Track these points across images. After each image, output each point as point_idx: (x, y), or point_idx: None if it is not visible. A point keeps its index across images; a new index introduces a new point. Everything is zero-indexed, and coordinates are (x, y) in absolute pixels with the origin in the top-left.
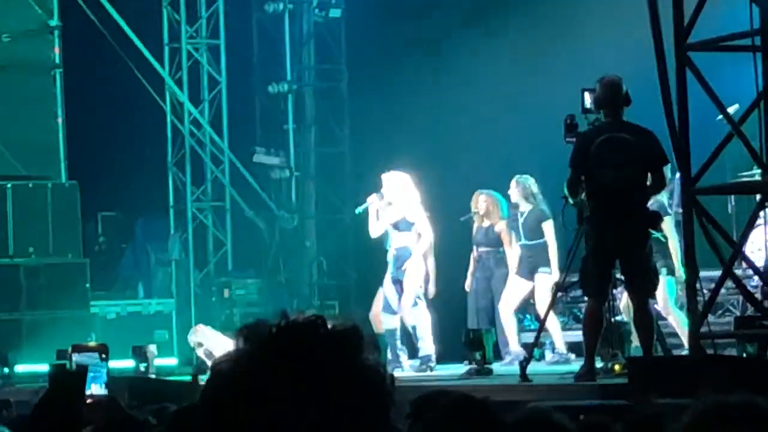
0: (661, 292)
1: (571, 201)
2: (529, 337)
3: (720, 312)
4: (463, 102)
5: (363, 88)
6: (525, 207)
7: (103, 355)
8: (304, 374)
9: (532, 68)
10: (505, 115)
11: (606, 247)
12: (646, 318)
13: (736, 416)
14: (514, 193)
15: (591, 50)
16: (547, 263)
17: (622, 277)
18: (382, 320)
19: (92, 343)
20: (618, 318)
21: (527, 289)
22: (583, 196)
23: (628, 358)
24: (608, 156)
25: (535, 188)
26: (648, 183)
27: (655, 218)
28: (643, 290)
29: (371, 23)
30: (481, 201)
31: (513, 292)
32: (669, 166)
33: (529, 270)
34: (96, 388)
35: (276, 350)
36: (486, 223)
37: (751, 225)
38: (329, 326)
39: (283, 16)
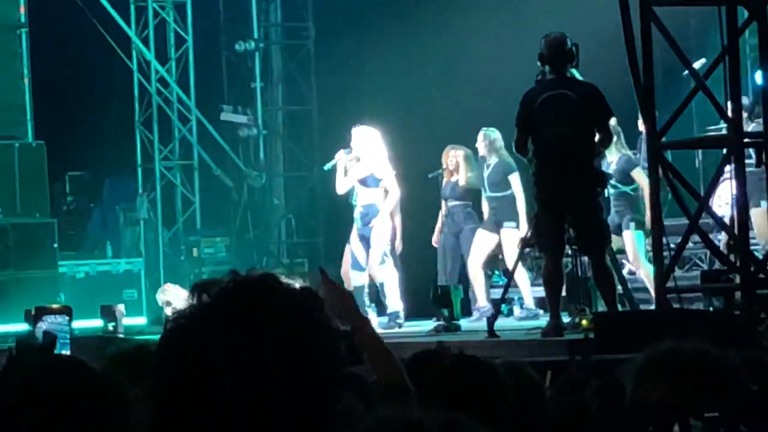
0: (630, 246)
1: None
2: (499, 293)
3: (687, 266)
4: (431, 57)
5: (330, 45)
6: (491, 160)
7: (69, 318)
8: (254, 331)
9: (503, 21)
10: (474, 69)
11: (553, 204)
12: (605, 273)
13: (687, 362)
14: (481, 145)
15: (559, 5)
16: (513, 217)
17: None
18: (351, 277)
19: (56, 306)
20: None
21: (494, 243)
22: (531, 154)
23: (595, 313)
24: (549, 113)
25: (500, 142)
26: (595, 138)
27: (601, 176)
28: (593, 246)
29: None
30: (452, 156)
31: (479, 246)
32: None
33: (494, 223)
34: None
35: (226, 306)
36: (455, 178)
37: (716, 179)
38: (281, 284)
39: None
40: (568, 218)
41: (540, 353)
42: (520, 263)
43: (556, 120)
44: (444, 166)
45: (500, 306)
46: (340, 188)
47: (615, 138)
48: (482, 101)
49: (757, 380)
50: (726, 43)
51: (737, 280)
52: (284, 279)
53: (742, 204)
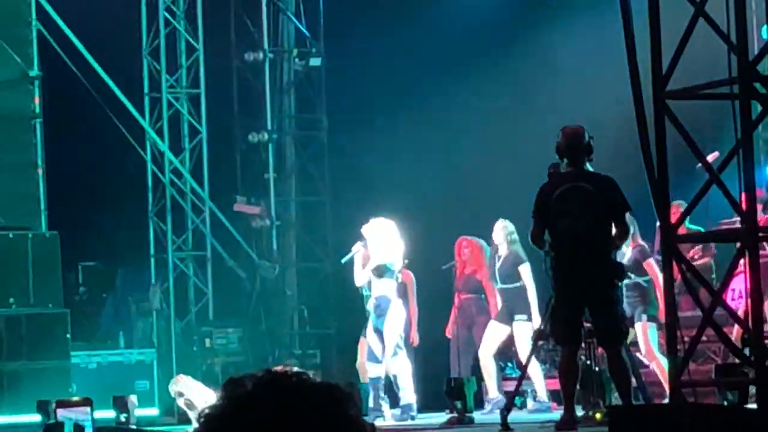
0: (643, 338)
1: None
2: (513, 386)
3: (701, 359)
4: (444, 149)
5: (343, 136)
6: (503, 250)
7: (90, 410)
8: (292, 425)
9: (514, 116)
10: (487, 162)
11: (569, 296)
12: (620, 366)
13: None
14: (499, 235)
15: (571, 98)
16: (523, 309)
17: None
18: (367, 369)
19: (76, 398)
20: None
21: (505, 334)
22: (547, 246)
23: (608, 407)
24: (567, 206)
25: (515, 235)
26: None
27: (618, 268)
28: (610, 339)
29: (351, 72)
30: (464, 247)
31: (491, 338)
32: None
33: (506, 314)
34: None
35: (263, 401)
36: (468, 270)
37: (730, 273)
38: (311, 381)
39: (263, 65)
40: (584, 311)
41: None
42: (533, 356)
43: (573, 212)
44: (456, 258)
45: (514, 398)
46: (359, 280)
47: (632, 229)
48: (496, 194)
49: None
50: (740, 136)
51: (752, 374)
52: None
53: (756, 296)
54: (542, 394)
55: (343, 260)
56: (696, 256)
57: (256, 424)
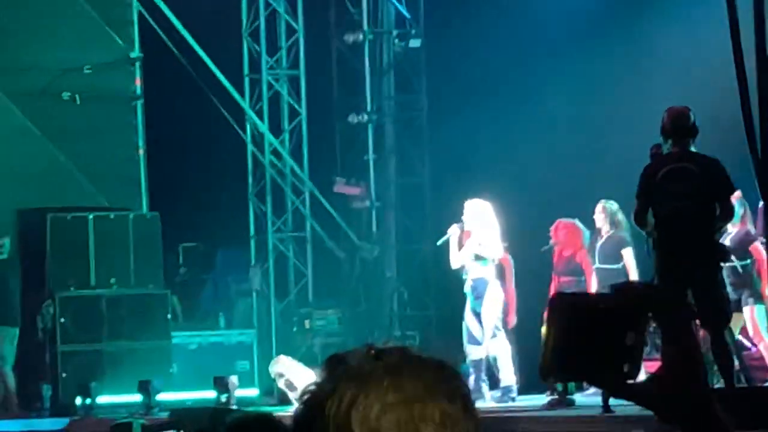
0: (751, 321)
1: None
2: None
3: None
4: (544, 130)
5: (443, 118)
6: (606, 232)
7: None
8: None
9: (614, 95)
10: (586, 143)
11: (672, 277)
12: (723, 348)
13: None
14: (600, 217)
15: (671, 75)
16: None
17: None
18: (467, 351)
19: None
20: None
21: None
22: (651, 227)
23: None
24: (671, 186)
25: (620, 215)
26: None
27: (723, 251)
28: (713, 321)
29: (451, 53)
30: (560, 229)
31: None
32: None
33: None
34: None
35: (368, 376)
36: (567, 252)
37: None
38: (418, 356)
39: (363, 46)
40: (688, 292)
41: (655, 429)
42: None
43: (678, 193)
44: (553, 240)
45: None
46: (455, 263)
47: (742, 210)
48: (596, 175)
49: None
50: None
51: None
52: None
53: None
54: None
55: (439, 242)
56: None
57: (359, 401)
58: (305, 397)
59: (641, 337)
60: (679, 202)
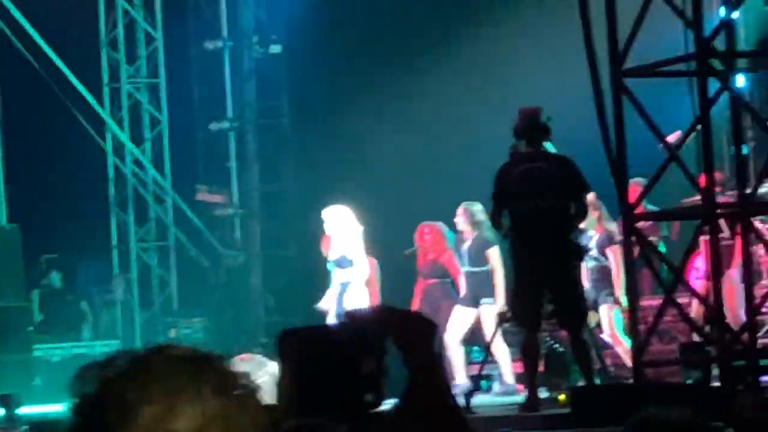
0: (607, 321)
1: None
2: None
3: (667, 338)
4: (405, 134)
5: (305, 123)
6: (470, 234)
7: None
8: None
9: (473, 100)
10: (448, 146)
11: (530, 279)
12: (582, 347)
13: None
14: (461, 219)
15: (533, 79)
16: (490, 293)
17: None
18: None
19: None
20: (561, 348)
21: (472, 318)
22: (507, 228)
23: (571, 388)
24: (526, 187)
25: (481, 215)
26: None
27: (578, 250)
28: (571, 321)
29: (312, 58)
30: (425, 233)
31: (457, 323)
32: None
33: (472, 298)
34: None
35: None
36: (431, 256)
37: (690, 251)
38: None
39: (223, 54)
40: (545, 292)
41: (517, 428)
42: (500, 338)
43: (532, 194)
44: (417, 244)
45: (479, 381)
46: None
47: (597, 212)
48: (458, 178)
49: None
50: (698, 113)
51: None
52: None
53: (717, 275)
54: (508, 377)
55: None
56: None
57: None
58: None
59: (381, 362)
60: (533, 202)
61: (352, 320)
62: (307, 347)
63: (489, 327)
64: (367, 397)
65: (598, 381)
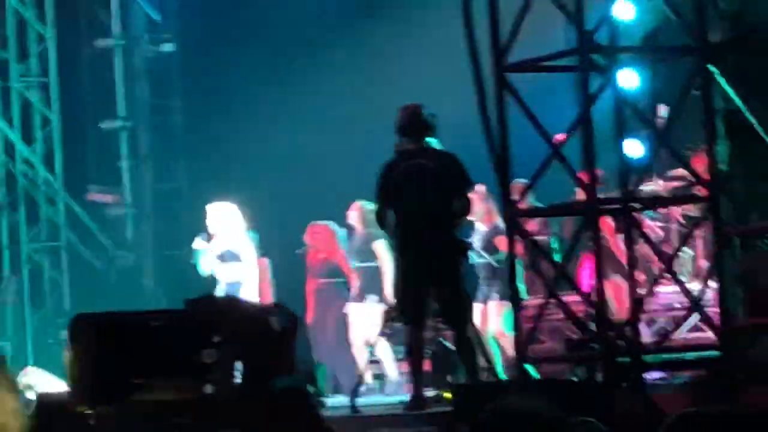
0: (496, 318)
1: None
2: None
3: (559, 337)
4: (298, 131)
5: (198, 122)
6: (360, 231)
7: None
8: None
9: (360, 97)
10: (339, 145)
11: (414, 276)
12: (466, 344)
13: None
14: (354, 215)
15: (417, 77)
16: (377, 289)
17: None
18: None
19: None
20: (447, 345)
21: (369, 313)
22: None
23: (454, 385)
24: (408, 184)
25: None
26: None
27: (462, 246)
28: (455, 317)
29: (204, 56)
30: (315, 233)
31: (356, 321)
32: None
33: (363, 295)
34: None
35: None
36: (322, 255)
37: (574, 247)
38: None
39: (114, 52)
40: (430, 290)
41: (402, 427)
42: (383, 337)
43: (416, 191)
44: (308, 244)
45: (361, 380)
46: (204, 268)
47: (487, 205)
48: (349, 176)
49: None
50: (581, 108)
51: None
52: None
53: (600, 272)
54: (393, 375)
55: (193, 261)
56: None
57: None
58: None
59: (225, 352)
60: (417, 199)
61: (194, 309)
62: (101, 332)
63: (372, 324)
64: (208, 388)
65: (483, 378)
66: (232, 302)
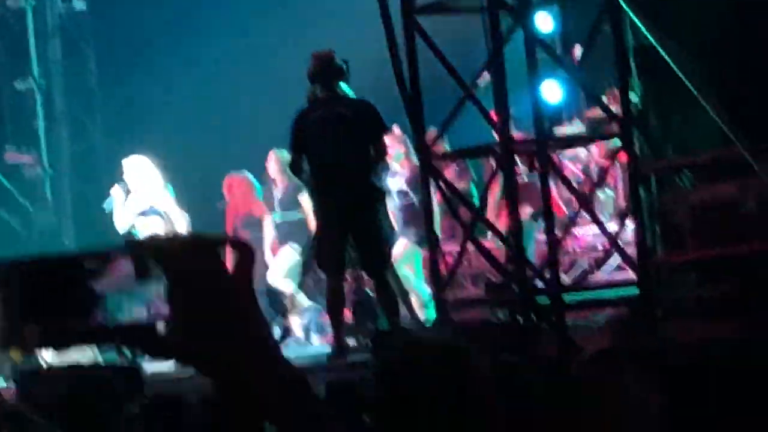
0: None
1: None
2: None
3: (482, 282)
4: (211, 86)
5: (112, 81)
6: (281, 181)
7: None
8: None
9: (276, 47)
10: (255, 96)
11: (331, 224)
12: (387, 292)
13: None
14: (271, 166)
15: (329, 23)
16: (300, 240)
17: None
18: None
19: None
20: (369, 293)
21: (290, 255)
22: (307, 175)
23: (373, 334)
24: (322, 132)
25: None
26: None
27: (379, 192)
28: (374, 265)
29: (117, 14)
30: (233, 186)
31: (278, 263)
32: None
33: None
34: None
35: None
36: (243, 209)
37: (487, 189)
38: None
39: (26, 11)
40: (348, 237)
41: (322, 377)
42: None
43: (331, 139)
44: (227, 198)
45: (289, 332)
46: (120, 224)
47: (404, 147)
48: (268, 126)
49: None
50: (491, 50)
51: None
52: None
53: (515, 212)
54: (296, 329)
55: (104, 206)
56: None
57: None
58: None
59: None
60: (332, 147)
61: (130, 249)
62: (25, 276)
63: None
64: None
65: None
66: (175, 238)
